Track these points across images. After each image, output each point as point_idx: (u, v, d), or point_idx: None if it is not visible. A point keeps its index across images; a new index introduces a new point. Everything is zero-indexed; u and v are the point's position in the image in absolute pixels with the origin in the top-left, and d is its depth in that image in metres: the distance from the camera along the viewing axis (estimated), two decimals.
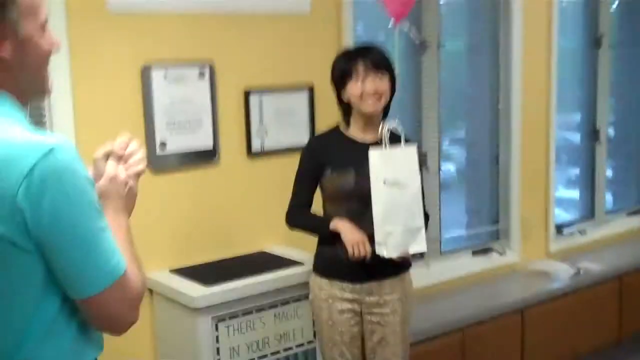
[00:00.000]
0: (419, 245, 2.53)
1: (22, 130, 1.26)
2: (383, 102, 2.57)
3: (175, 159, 2.88)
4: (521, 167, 4.16)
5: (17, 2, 1.24)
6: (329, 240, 2.56)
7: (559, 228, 4.46)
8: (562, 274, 4.06)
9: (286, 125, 3.19)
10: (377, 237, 2.46)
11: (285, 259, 2.99)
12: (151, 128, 2.79)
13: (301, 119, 3.23)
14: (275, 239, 3.17)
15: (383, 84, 2.54)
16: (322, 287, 2.60)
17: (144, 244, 2.82)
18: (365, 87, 2.50)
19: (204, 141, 2.95)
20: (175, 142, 2.86)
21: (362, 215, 2.53)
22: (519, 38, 4.03)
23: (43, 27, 1.32)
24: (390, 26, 2.59)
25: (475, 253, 4.12)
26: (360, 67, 2.51)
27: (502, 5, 4.01)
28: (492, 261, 4.12)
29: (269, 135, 3.14)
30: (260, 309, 2.75)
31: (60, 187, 1.21)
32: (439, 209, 3.93)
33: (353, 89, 2.52)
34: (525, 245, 4.23)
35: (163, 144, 2.83)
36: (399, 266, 2.60)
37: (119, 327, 1.35)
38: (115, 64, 2.70)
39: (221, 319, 2.64)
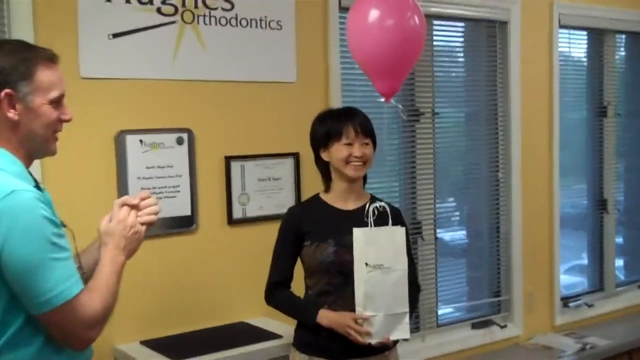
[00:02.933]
0: (402, 332, 2.41)
1: (3, 177, 1.59)
2: (367, 167, 2.48)
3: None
4: (523, 238, 4.04)
5: (31, 82, 1.64)
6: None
7: (565, 300, 4.28)
8: (567, 349, 3.87)
9: (270, 192, 3.12)
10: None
11: (264, 331, 2.87)
12: (124, 194, 2.73)
13: (286, 186, 3.17)
14: (256, 310, 3.06)
15: (369, 150, 2.46)
16: None
17: (115, 313, 2.77)
18: (353, 151, 2.41)
19: (181, 208, 2.89)
20: None
21: (343, 290, 2.41)
22: (517, 106, 3.97)
23: (56, 101, 1.68)
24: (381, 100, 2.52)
25: (474, 326, 3.95)
26: (350, 130, 2.41)
27: (499, 72, 3.96)
28: (492, 335, 3.95)
29: (251, 202, 3.07)
30: None
31: (13, 223, 1.52)
32: (436, 280, 3.81)
33: (340, 151, 2.41)
34: (529, 318, 4.07)
35: None
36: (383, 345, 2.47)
37: (74, 343, 1.66)
38: (87, 129, 2.66)
39: None
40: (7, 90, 1.61)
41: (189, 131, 2.90)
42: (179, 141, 2.87)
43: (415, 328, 3.74)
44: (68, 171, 2.64)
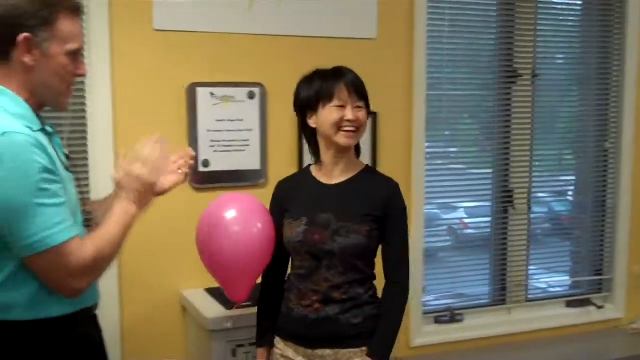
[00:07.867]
0: None
1: (1, 117, 1.57)
2: (360, 135, 2.18)
3: (219, 177, 2.87)
4: (632, 213, 3.72)
5: (51, 29, 1.62)
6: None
7: None
8: None
9: None
10: None
11: None
12: (194, 146, 2.81)
13: (363, 145, 3.09)
14: None
15: (362, 114, 2.15)
16: (277, 345, 2.27)
17: (182, 261, 2.87)
18: (345, 114, 2.11)
19: (251, 162, 2.92)
20: (220, 161, 2.86)
21: (314, 273, 2.14)
22: (634, 68, 3.63)
23: (73, 53, 1.67)
24: None
25: (570, 304, 3.71)
26: (343, 90, 2.12)
27: (615, 30, 3.63)
28: (589, 315, 3.70)
29: None
30: None
31: (0, 164, 1.49)
32: (527, 252, 3.60)
33: (331, 114, 2.11)
34: (633, 301, 3.76)
35: (206, 162, 2.84)
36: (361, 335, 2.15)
37: (60, 290, 1.62)
38: (159, 81, 2.75)
39: (240, 344, 2.56)
40: (27, 35, 1.59)
41: (261, 86, 2.90)
42: (251, 95, 2.89)
43: (501, 301, 3.58)
44: (140, 122, 2.73)
